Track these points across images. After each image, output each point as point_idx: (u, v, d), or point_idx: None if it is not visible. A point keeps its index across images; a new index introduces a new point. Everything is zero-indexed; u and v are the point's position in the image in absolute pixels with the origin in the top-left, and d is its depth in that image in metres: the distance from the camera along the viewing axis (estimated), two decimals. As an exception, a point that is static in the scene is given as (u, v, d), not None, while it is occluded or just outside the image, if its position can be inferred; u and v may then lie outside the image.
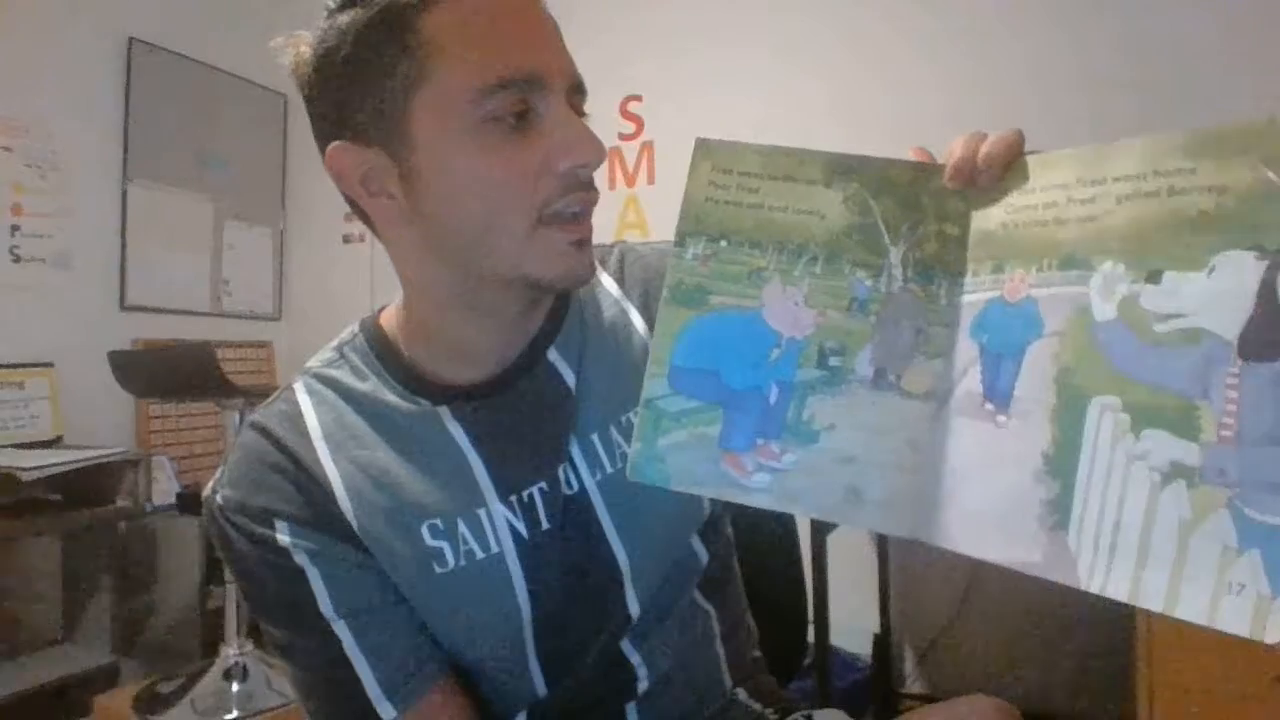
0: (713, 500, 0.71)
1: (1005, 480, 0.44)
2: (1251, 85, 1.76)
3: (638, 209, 2.50)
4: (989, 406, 0.46)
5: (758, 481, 0.49)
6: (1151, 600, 0.38)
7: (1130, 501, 0.40)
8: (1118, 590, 0.39)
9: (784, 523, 1.00)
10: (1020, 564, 0.43)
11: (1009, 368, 0.46)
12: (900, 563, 2.10)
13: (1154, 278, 0.41)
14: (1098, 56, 1.94)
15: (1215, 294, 0.38)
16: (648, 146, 2.50)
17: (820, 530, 1.54)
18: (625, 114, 2.52)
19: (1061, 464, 0.43)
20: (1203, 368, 0.38)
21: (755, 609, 0.84)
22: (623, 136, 2.52)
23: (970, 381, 0.47)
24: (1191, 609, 0.37)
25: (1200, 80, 1.81)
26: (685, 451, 0.50)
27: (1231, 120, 0.39)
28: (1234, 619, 0.35)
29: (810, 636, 1.11)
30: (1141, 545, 0.39)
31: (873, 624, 2.05)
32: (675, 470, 0.50)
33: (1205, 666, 1.36)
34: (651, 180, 2.48)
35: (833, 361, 0.50)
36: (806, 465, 0.49)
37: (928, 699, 2.09)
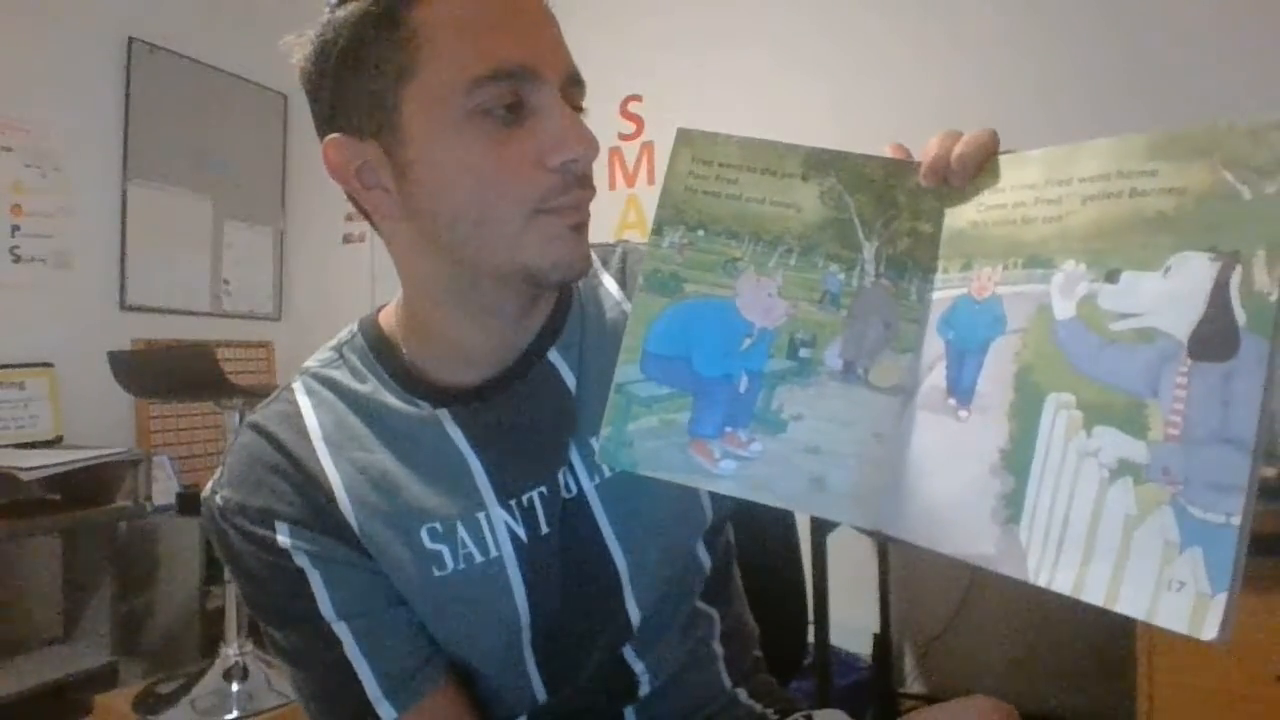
0: (714, 505, 0.71)
1: (964, 475, 0.45)
2: (1249, 84, 1.76)
3: (638, 209, 2.50)
4: (952, 402, 0.47)
5: (724, 469, 0.50)
6: (1093, 594, 0.39)
7: (1079, 497, 0.40)
8: (1063, 584, 0.40)
9: (784, 523, 1.00)
10: (974, 557, 0.44)
11: (972, 364, 0.46)
12: (900, 563, 2.10)
13: (1112, 277, 0.41)
14: (1095, 58, 1.95)
15: (1170, 294, 0.39)
16: (648, 146, 2.50)
17: (820, 530, 1.54)
18: (625, 114, 2.52)
19: (1017, 459, 0.43)
20: (1154, 367, 0.39)
21: (755, 609, 0.84)
22: (623, 136, 2.52)
23: (936, 377, 0.48)
24: (1132, 604, 0.37)
25: (1198, 82, 1.81)
26: (654, 437, 0.50)
27: (1195, 122, 0.39)
28: (1172, 615, 0.36)
29: (810, 636, 1.11)
30: (1088, 540, 0.39)
31: (873, 624, 2.05)
32: (643, 455, 0.51)
33: (1205, 666, 1.36)
34: (651, 180, 2.48)
35: (803, 353, 0.50)
36: (773, 454, 0.50)
37: (928, 699, 2.09)
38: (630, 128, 2.52)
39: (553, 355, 0.66)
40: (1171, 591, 0.36)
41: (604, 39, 2.35)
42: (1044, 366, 0.43)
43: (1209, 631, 0.34)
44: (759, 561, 0.89)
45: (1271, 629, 1.28)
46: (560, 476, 0.64)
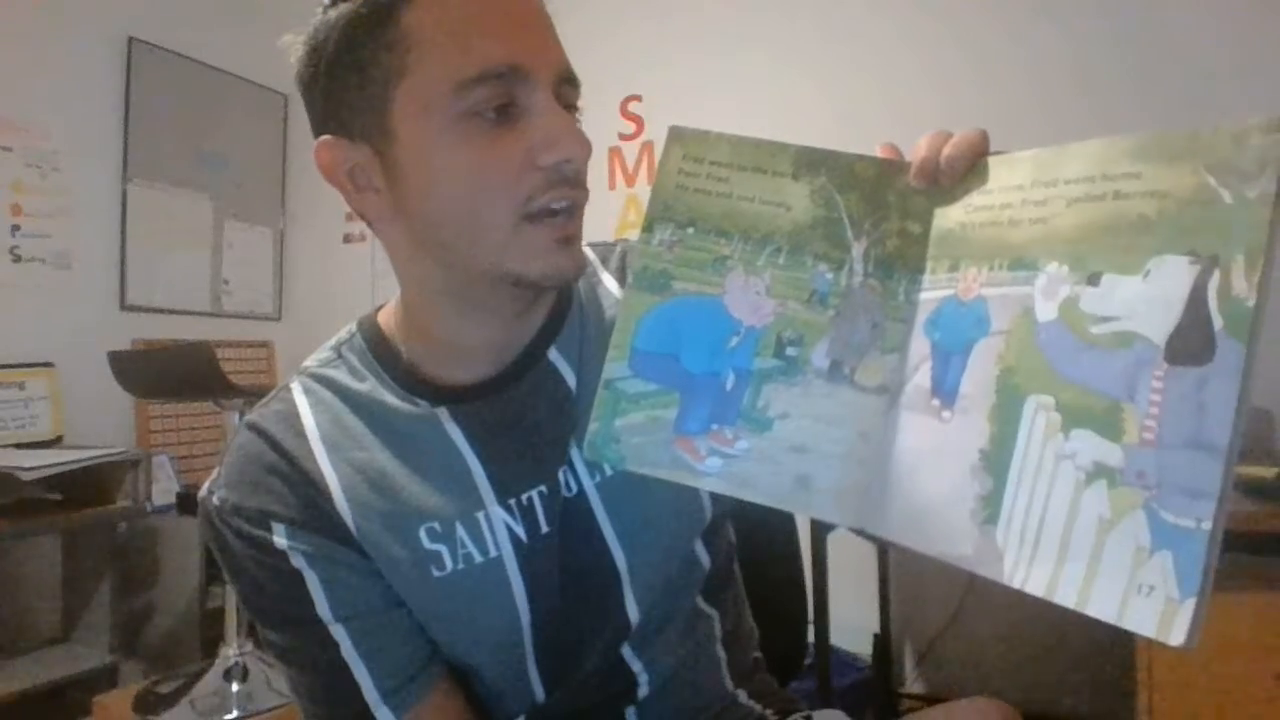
0: (714, 503, 0.71)
1: (945, 475, 0.45)
2: (1250, 83, 1.76)
3: (638, 209, 2.49)
4: (935, 402, 0.47)
5: (710, 466, 0.50)
6: (1066, 597, 0.38)
7: (1055, 499, 0.40)
8: (1037, 586, 0.40)
9: (784, 524, 1.00)
10: (953, 557, 0.44)
11: (956, 365, 0.46)
12: (900, 563, 2.10)
13: (1094, 280, 0.41)
14: (1095, 58, 1.94)
15: (1149, 298, 0.39)
16: (648, 146, 2.49)
17: (820, 530, 1.54)
18: (625, 114, 2.52)
19: (996, 461, 0.43)
20: (1132, 370, 0.38)
21: (756, 609, 0.84)
22: (623, 136, 2.52)
23: (921, 377, 0.48)
24: (1102, 607, 0.37)
25: (1199, 80, 1.81)
26: (641, 433, 0.51)
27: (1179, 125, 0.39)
28: (1141, 619, 0.35)
29: (810, 636, 1.11)
30: (1062, 543, 0.39)
31: (873, 624, 2.05)
32: (630, 451, 0.51)
33: (1206, 665, 1.36)
34: (651, 180, 2.48)
35: (790, 351, 0.50)
36: (759, 452, 0.50)
37: (928, 699, 2.09)
38: (630, 128, 2.52)
39: (552, 354, 0.66)
40: (1141, 595, 0.36)
41: (604, 39, 2.35)
42: (1025, 368, 0.43)
43: (1176, 636, 0.34)
44: (759, 561, 0.89)
45: (1271, 629, 1.28)
46: (560, 475, 0.64)
